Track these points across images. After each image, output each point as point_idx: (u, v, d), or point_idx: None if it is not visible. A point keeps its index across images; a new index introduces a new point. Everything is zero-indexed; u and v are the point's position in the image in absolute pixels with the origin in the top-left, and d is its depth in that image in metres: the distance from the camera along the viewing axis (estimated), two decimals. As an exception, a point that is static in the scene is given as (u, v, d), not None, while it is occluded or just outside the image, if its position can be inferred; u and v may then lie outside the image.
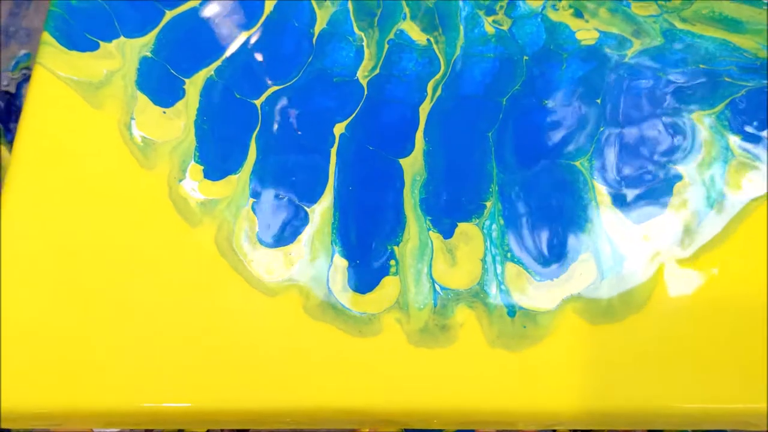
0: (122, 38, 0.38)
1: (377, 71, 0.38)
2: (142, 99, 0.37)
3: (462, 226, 0.34)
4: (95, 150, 0.36)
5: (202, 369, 0.32)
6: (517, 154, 0.36)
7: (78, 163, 0.35)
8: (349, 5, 0.40)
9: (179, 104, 0.37)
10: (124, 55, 0.38)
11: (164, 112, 0.37)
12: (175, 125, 0.36)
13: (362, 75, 0.38)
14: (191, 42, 0.39)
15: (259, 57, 0.38)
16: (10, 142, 0.48)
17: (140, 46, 0.38)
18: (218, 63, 0.38)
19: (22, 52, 0.51)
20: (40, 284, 0.33)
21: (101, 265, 0.33)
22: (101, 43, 0.38)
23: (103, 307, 0.33)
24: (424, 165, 0.36)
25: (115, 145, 0.36)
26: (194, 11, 0.39)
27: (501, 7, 0.40)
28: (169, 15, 0.39)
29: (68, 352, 0.32)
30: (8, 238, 0.34)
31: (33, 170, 0.35)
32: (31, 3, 0.53)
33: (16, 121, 0.49)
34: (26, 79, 0.51)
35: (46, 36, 0.38)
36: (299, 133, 0.36)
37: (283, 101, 0.37)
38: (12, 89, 0.50)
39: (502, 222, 0.34)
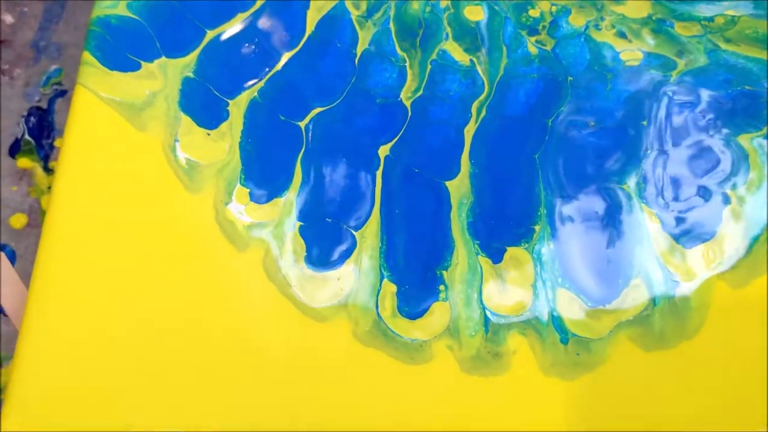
0: (163, 58, 0.38)
1: (420, 92, 0.38)
2: (186, 120, 0.37)
3: (511, 251, 0.34)
4: (140, 173, 0.35)
5: (250, 395, 0.31)
6: (564, 177, 0.36)
7: (122, 186, 0.35)
8: (391, 25, 0.40)
9: (223, 126, 0.37)
10: (166, 75, 0.38)
11: (208, 134, 0.36)
12: (220, 147, 0.36)
13: (405, 96, 0.38)
14: (233, 62, 0.38)
15: (301, 78, 0.38)
16: (43, 159, 0.48)
17: (182, 66, 0.38)
18: (261, 84, 0.38)
19: (53, 67, 0.51)
20: (79, 308, 0.33)
21: (146, 289, 0.33)
22: (142, 63, 0.38)
23: (146, 331, 0.32)
24: (471, 188, 0.35)
25: (160, 168, 0.35)
26: (235, 31, 0.39)
27: (543, 27, 0.40)
28: (210, 35, 0.39)
29: (108, 377, 0.32)
30: (48, 260, 0.34)
31: (76, 193, 0.35)
32: (61, 18, 0.53)
33: (49, 137, 0.49)
34: (58, 94, 0.50)
35: (87, 56, 0.38)
36: (343, 155, 0.36)
37: (327, 123, 0.37)
38: (44, 105, 0.50)
39: (551, 246, 0.34)
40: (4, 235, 0.45)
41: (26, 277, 0.44)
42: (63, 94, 0.50)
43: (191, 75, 0.38)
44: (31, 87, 0.51)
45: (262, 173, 0.36)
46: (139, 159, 0.36)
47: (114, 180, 0.35)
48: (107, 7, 0.40)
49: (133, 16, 0.39)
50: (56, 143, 0.48)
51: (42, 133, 0.49)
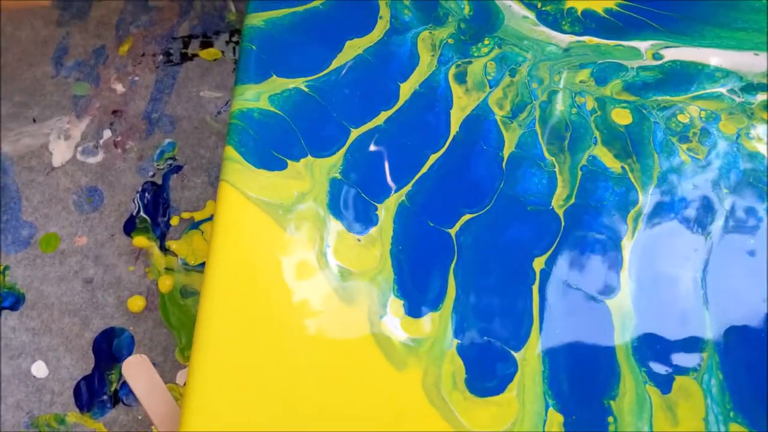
0: (309, 157, 0.38)
1: (572, 200, 0.37)
2: (336, 225, 0.36)
3: (680, 380, 0.33)
4: (291, 279, 0.35)
5: None
6: (728, 299, 0.34)
7: (273, 292, 0.34)
8: (537, 127, 0.39)
9: (373, 231, 0.36)
10: (313, 175, 0.37)
11: (359, 240, 0.36)
12: (372, 254, 0.35)
13: (557, 204, 0.37)
14: (379, 162, 0.38)
15: (448, 181, 0.37)
16: (159, 237, 0.47)
17: (329, 166, 0.37)
18: (409, 187, 0.37)
19: (167, 140, 0.51)
20: (232, 406, 0.32)
21: (298, 402, 0.32)
22: (289, 162, 0.37)
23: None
24: (633, 308, 0.34)
25: (313, 276, 0.34)
26: (379, 130, 0.39)
27: (694, 134, 0.39)
28: (354, 133, 0.38)
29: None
30: (202, 362, 0.33)
31: (227, 298, 0.34)
32: (173, 88, 0.53)
33: (165, 214, 0.48)
34: (172, 170, 0.50)
35: (230, 151, 0.38)
36: (497, 266, 0.35)
37: (478, 231, 0.36)
38: (158, 180, 0.49)
39: (721, 376, 0.33)
40: (122, 318, 0.45)
41: (146, 364, 0.43)
42: (178, 169, 0.50)
43: (338, 176, 0.37)
44: (144, 161, 0.50)
45: (416, 284, 0.35)
46: (290, 264, 0.35)
47: (265, 285, 0.34)
48: (249, 100, 0.39)
49: (276, 111, 0.39)
50: (173, 222, 0.48)
51: (157, 210, 0.48)
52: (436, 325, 0.34)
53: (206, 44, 0.55)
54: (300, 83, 0.40)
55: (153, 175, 0.50)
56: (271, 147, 0.38)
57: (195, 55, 0.55)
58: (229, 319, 0.34)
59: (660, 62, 0.41)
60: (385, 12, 0.42)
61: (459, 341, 0.33)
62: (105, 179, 0.50)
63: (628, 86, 0.40)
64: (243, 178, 0.37)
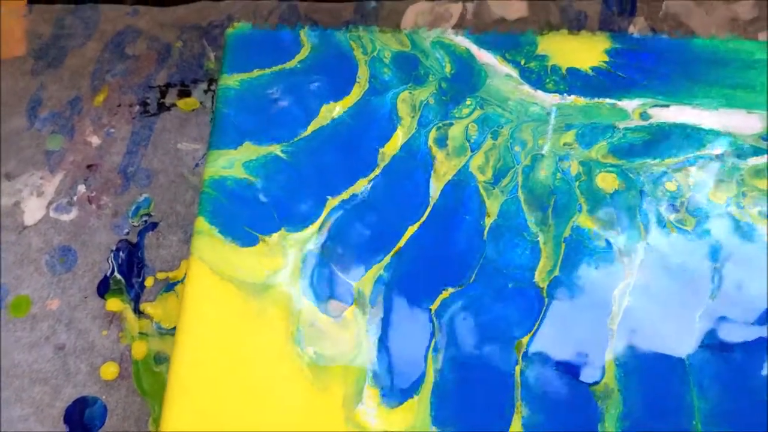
0: (283, 231, 0.36)
1: (556, 272, 0.36)
2: (309, 305, 0.34)
3: (668, 472, 0.31)
4: (262, 364, 0.33)
5: None
6: (717, 383, 0.33)
7: (242, 378, 0.33)
8: (520, 194, 0.38)
9: (349, 312, 0.34)
10: (286, 250, 0.36)
11: (334, 320, 0.34)
12: (347, 337, 0.34)
13: (540, 278, 0.36)
14: (356, 235, 0.36)
15: (428, 253, 0.36)
16: (133, 299, 0.46)
17: (303, 240, 0.36)
18: (386, 260, 0.36)
19: (143, 196, 0.49)
20: None
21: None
22: (262, 236, 0.36)
23: None
24: (619, 392, 0.33)
25: (285, 360, 0.33)
26: (357, 199, 0.37)
27: (682, 203, 0.37)
28: (331, 203, 0.37)
29: None
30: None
31: (193, 383, 0.33)
32: (149, 140, 0.51)
33: (140, 275, 0.47)
34: (148, 227, 0.49)
35: (202, 223, 0.36)
36: (477, 347, 0.34)
37: (458, 309, 0.35)
38: (133, 239, 0.48)
39: (710, 467, 0.31)
40: (94, 386, 0.43)
41: (118, 436, 0.42)
42: (153, 227, 0.48)
43: (314, 249, 0.36)
44: (119, 218, 0.49)
45: (393, 369, 0.33)
46: (261, 347, 0.33)
47: (233, 371, 0.33)
48: (222, 167, 0.38)
49: (250, 178, 0.38)
50: (147, 283, 0.46)
51: (132, 270, 0.47)
52: (415, 413, 0.32)
53: (184, 93, 0.54)
54: (276, 149, 0.38)
55: (128, 233, 0.48)
56: (245, 219, 0.36)
57: (173, 105, 0.53)
58: (195, 406, 0.32)
59: (647, 122, 0.40)
60: (363, 71, 0.41)
61: (438, 430, 0.32)
62: (78, 238, 0.49)
63: (614, 149, 0.39)
64: (214, 253, 0.35)
